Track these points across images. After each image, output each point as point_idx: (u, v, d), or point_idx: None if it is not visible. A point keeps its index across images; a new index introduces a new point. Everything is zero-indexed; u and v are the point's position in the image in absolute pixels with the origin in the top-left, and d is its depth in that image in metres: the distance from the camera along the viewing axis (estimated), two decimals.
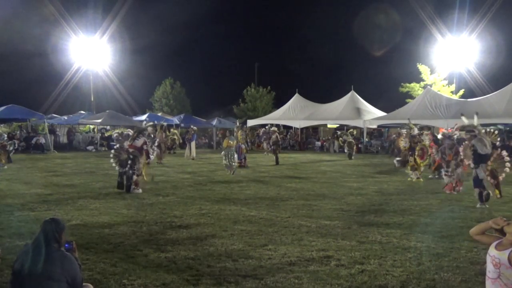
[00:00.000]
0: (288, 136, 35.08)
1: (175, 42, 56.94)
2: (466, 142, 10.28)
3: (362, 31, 46.22)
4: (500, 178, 9.80)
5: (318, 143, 33.68)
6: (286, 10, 72.27)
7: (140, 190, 11.28)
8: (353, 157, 23.62)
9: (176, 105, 45.11)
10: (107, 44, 39.83)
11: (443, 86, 34.23)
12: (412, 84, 35.37)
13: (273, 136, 21.24)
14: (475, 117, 10.30)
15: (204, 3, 57.68)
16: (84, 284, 3.79)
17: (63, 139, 32.72)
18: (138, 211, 8.90)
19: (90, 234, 7.01)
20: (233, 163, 15.84)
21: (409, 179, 14.08)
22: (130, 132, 12.09)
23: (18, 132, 29.74)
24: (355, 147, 24.99)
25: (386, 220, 8.13)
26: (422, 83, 34.62)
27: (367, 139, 31.44)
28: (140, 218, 8.24)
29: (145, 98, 46.81)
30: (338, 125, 33.86)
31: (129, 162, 11.40)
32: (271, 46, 68.33)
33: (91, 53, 38.56)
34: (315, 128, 38.15)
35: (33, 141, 26.93)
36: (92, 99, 40.52)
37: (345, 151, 24.33)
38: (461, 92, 34.59)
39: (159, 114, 38.13)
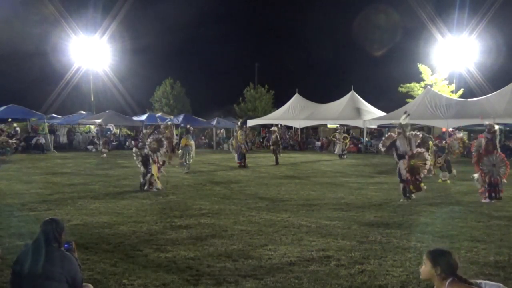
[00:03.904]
0: (288, 136, 35.08)
1: (175, 42, 56.97)
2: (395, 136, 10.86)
3: (362, 31, 46.30)
4: (419, 176, 10.39)
5: (318, 143, 33.69)
6: (286, 10, 72.36)
7: (155, 189, 11.45)
8: (345, 157, 23.72)
9: (176, 105, 45.11)
10: (107, 44, 39.87)
11: (444, 86, 34.25)
12: (412, 84, 35.38)
13: (273, 136, 21.24)
14: (404, 116, 10.78)
15: (204, 3, 57.77)
16: (84, 284, 3.78)
17: (63, 139, 32.74)
18: (138, 211, 8.90)
19: (90, 234, 7.00)
20: (189, 162, 16.10)
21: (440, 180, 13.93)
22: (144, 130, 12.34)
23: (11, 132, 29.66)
24: (347, 146, 25.08)
25: (386, 220, 8.13)
26: (422, 83, 34.64)
27: (367, 139, 31.44)
28: (140, 218, 8.24)
29: (145, 98, 46.88)
30: (338, 125, 33.88)
31: (150, 160, 11.70)
32: (271, 46, 68.40)
33: (91, 53, 38.57)
34: (315, 128, 38.15)
35: (33, 141, 26.92)
36: (92, 99, 40.54)
37: (335, 151, 24.50)
38: (461, 91, 34.60)
39: (159, 114, 38.15)
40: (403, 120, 10.63)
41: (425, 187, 10.52)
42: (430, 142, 15.28)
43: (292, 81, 45.83)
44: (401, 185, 10.46)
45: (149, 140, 11.79)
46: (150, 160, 11.72)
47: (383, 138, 11.18)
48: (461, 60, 35.65)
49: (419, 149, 10.62)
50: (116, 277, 5.09)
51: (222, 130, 37.53)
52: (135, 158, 12.13)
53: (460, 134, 14.66)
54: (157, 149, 11.85)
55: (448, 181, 13.70)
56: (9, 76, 39.78)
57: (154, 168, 11.74)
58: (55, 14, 37.51)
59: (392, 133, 11.07)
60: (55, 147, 28.12)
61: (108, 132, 24.56)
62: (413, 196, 10.37)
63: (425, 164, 10.39)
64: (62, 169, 16.97)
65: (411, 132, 11.13)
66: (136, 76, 45.35)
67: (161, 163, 12.06)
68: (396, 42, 44.50)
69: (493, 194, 10.23)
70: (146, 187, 11.55)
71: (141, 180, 11.75)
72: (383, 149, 11.20)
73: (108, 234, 7.03)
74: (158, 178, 11.77)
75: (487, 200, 10.14)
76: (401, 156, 10.41)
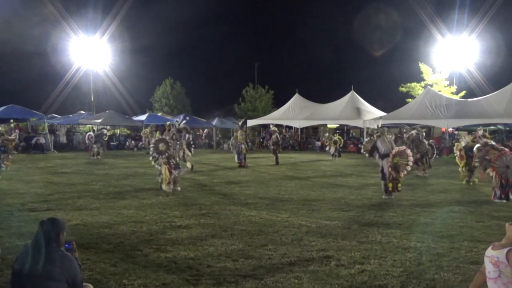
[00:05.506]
0: (287, 136, 35.05)
1: (175, 42, 56.92)
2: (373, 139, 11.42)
3: (362, 31, 46.29)
4: (401, 174, 10.54)
5: (318, 143, 33.68)
6: (286, 10, 72.35)
7: (170, 189, 11.29)
8: (336, 158, 23.84)
9: (176, 105, 45.11)
10: (107, 44, 39.87)
11: (444, 86, 34.22)
12: (413, 84, 35.35)
13: (273, 136, 21.22)
14: (377, 122, 11.05)
15: (204, 3, 57.65)
16: (84, 284, 3.78)
17: (63, 139, 32.75)
18: (138, 211, 8.90)
19: (90, 234, 7.01)
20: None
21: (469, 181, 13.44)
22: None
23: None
24: (341, 146, 25.12)
25: (386, 220, 8.13)
26: (422, 83, 34.61)
27: (367, 139, 31.42)
28: (140, 218, 8.24)
29: (145, 98, 46.88)
30: (338, 125, 33.85)
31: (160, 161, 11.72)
32: (271, 46, 68.44)
33: (91, 53, 38.58)
34: (315, 128, 38.14)
35: (33, 141, 26.92)
36: (92, 99, 40.56)
37: (329, 150, 24.63)
38: (462, 93, 34.59)
39: (159, 114, 38.15)
40: (378, 123, 10.90)
41: (400, 189, 10.61)
42: (460, 143, 14.39)
43: (292, 81, 45.80)
44: (383, 182, 10.71)
45: (155, 141, 11.93)
46: (160, 161, 11.62)
47: (364, 143, 11.43)
48: (461, 60, 35.66)
49: (401, 148, 10.81)
50: (116, 277, 5.09)
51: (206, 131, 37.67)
52: (151, 158, 12.02)
53: (481, 131, 14.22)
54: (164, 151, 11.62)
55: (476, 181, 13.17)
56: (9, 76, 39.81)
57: (164, 171, 11.50)
58: (55, 14, 37.54)
59: (371, 137, 11.33)
60: (55, 147, 28.12)
61: (101, 140, 24.06)
62: (392, 196, 10.49)
63: (408, 162, 10.48)
64: (62, 169, 16.97)
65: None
66: (136, 76, 45.37)
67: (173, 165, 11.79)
68: (396, 42, 44.56)
69: (509, 195, 10.16)
70: (167, 188, 11.41)
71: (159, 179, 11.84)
72: (366, 154, 11.60)
73: (108, 234, 7.03)
74: (174, 181, 11.57)
75: (497, 200, 10.14)
76: (384, 156, 10.64)
